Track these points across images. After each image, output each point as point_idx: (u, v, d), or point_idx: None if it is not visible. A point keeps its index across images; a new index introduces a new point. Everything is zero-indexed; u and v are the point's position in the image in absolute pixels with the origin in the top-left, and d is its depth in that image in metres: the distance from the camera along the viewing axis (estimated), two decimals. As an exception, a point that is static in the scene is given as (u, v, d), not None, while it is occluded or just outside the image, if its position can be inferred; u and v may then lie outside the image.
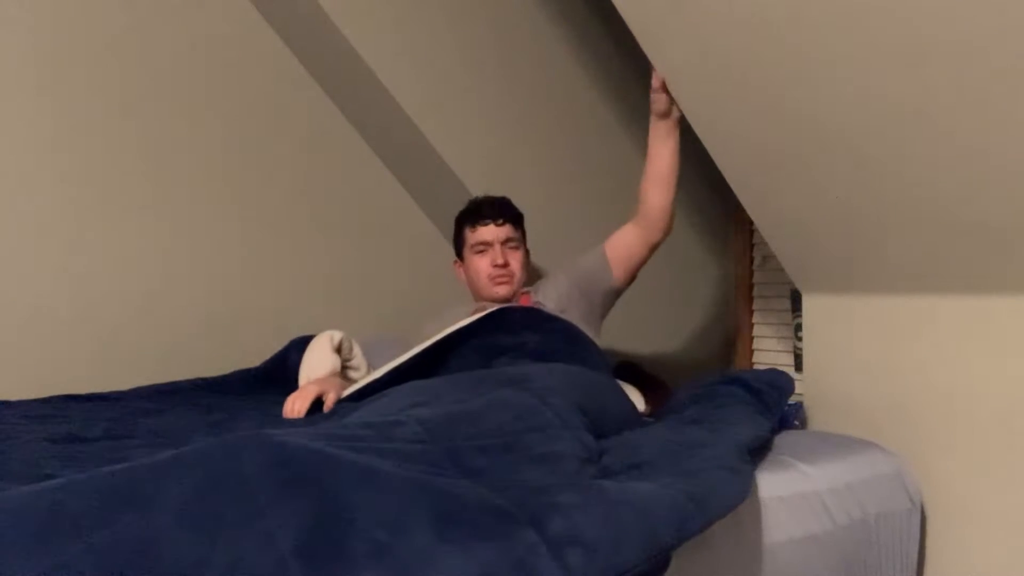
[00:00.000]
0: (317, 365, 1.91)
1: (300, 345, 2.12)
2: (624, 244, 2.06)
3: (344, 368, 2.01)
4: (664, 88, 1.88)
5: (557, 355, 1.73)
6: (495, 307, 1.90)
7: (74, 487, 0.87)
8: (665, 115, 1.94)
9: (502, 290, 2.07)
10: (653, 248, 2.07)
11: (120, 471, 0.91)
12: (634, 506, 1.03)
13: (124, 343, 2.38)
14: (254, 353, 2.36)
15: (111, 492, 0.87)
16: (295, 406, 1.71)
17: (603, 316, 2.15)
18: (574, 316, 2.00)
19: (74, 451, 1.47)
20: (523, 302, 2.06)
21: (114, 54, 2.39)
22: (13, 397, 2.02)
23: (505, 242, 2.09)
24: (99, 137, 2.37)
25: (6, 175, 2.26)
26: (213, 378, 2.29)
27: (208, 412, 1.96)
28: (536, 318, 1.87)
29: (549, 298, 2.06)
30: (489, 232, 2.09)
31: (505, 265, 2.06)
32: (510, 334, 1.81)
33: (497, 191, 2.19)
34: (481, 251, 2.09)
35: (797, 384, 1.87)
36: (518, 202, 2.19)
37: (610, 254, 2.07)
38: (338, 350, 1.98)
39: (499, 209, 2.11)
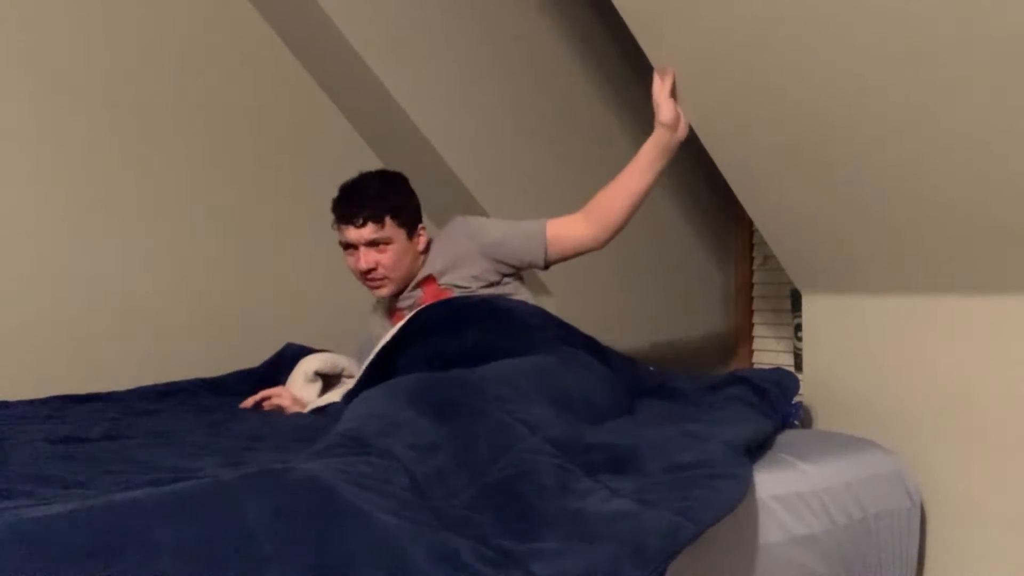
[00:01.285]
0: (304, 392, 1.99)
1: (292, 357, 2.17)
2: (570, 237, 1.89)
3: (336, 378, 2.06)
4: (673, 94, 1.73)
5: (501, 351, 1.64)
6: (412, 312, 1.82)
7: (84, 518, 0.88)
8: (672, 127, 1.79)
9: (381, 292, 1.92)
10: (589, 252, 1.94)
11: (128, 504, 0.91)
12: (620, 535, 1.02)
13: (123, 343, 2.38)
14: (253, 352, 2.35)
15: (119, 528, 0.88)
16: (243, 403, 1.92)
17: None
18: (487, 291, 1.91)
19: (73, 451, 1.47)
20: (429, 292, 1.92)
21: (111, 58, 2.39)
22: (12, 397, 2.02)
23: (370, 244, 1.88)
24: (99, 139, 2.37)
25: (6, 178, 2.26)
26: (212, 378, 2.29)
27: (207, 412, 1.96)
28: (464, 312, 1.76)
29: (462, 278, 1.91)
30: (350, 233, 1.89)
31: (371, 270, 1.88)
32: (446, 336, 1.73)
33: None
34: (348, 252, 1.91)
35: (797, 384, 1.87)
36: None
37: (551, 240, 1.89)
38: (321, 373, 2.02)
39: (359, 206, 1.88)
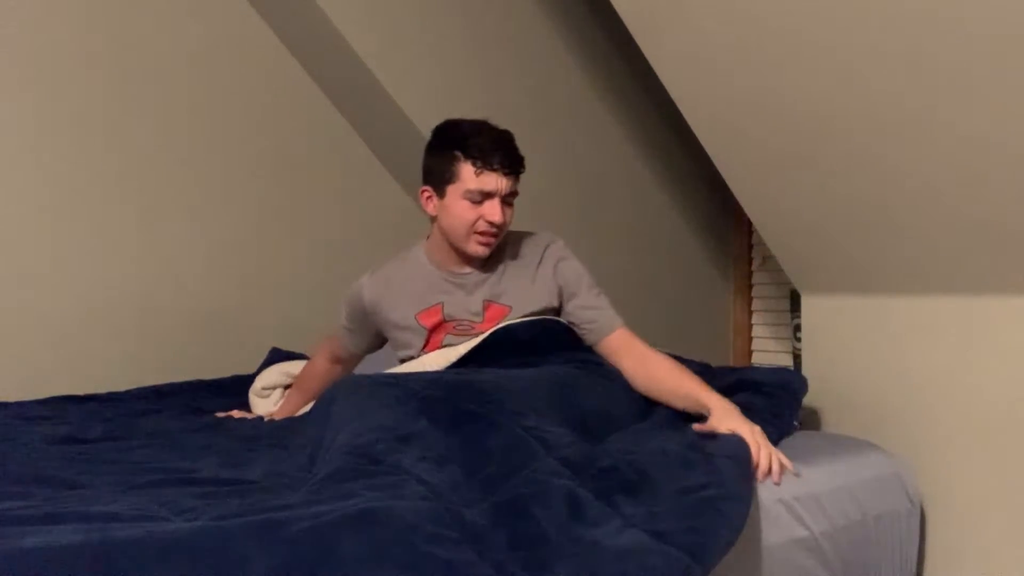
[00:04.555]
0: (262, 407, 2.08)
1: (275, 356, 2.23)
2: (620, 357, 1.74)
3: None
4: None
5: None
6: (454, 346, 1.72)
7: (83, 552, 0.88)
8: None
9: (482, 250, 1.74)
10: None
11: (128, 543, 0.91)
12: (630, 574, 1.03)
13: (122, 344, 2.38)
14: (252, 353, 2.36)
15: (116, 565, 0.88)
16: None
17: None
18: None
19: (72, 452, 1.47)
20: (493, 314, 1.76)
21: (102, 57, 2.38)
22: (11, 398, 2.02)
23: (507, 196, 1.74)
24: (100, 139, 2.37)
25: (4, 179, 2.26)
26: (210, 380, 2.29)
27: (206, 413, 1.97)
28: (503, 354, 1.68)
29: (527, 312, 1.77)
30: (496, 181, 1.70)
31: (501, 225, 1.73)
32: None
33: None
34: (476, 200, 1.72)
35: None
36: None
37: (613, 343, 1.75)
38: (269, 387, 2.09)
39: (510, 157, 1.73)
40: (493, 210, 1.70)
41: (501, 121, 1.75)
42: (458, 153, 1.71)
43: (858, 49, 1.47)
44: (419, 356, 1.77)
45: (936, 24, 1.34)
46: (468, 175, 1.70)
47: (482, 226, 1.71)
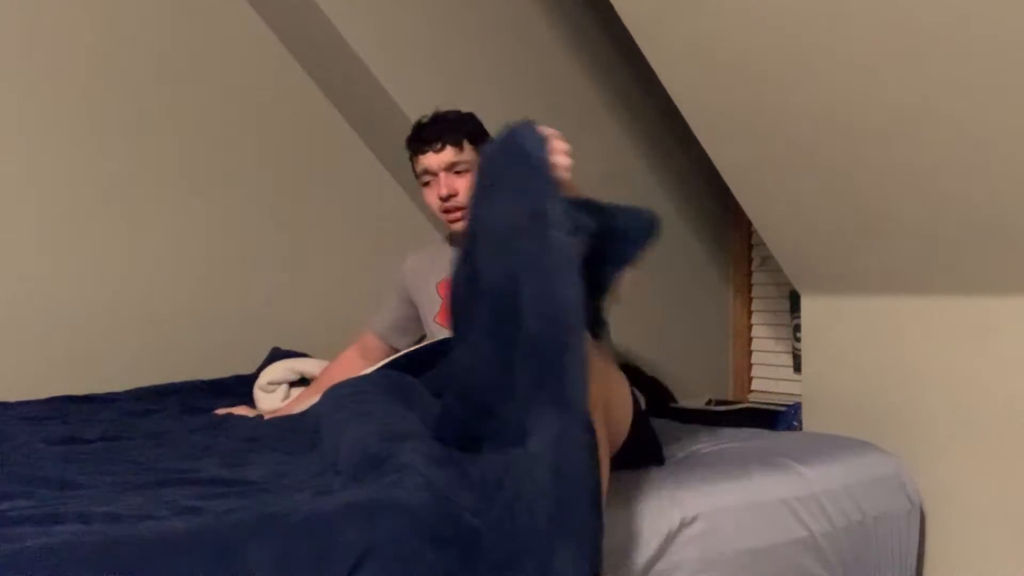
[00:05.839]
0: (267, 402, 2.08)
1: (275, 356, 2.23)
2: None
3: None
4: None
5: None
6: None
7: (86, 550, 0.89)
8: None
9: (458, 226, 1.78)
10: None
11: (131, 539, 0.91)
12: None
13: (122, 344, 2.37)
14: (252, 353, 2.35)
15: (119, 563, 0.88)
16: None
17: None
18: None
19: (72, 452, 1.47)
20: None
21: (104, 55, 2.38)
22: (11, 398, 2.02)
23: (449, 168, 1.78)
24: (96, 140, 2.37)
25: (4, 178, 2.26)
26: (211, 380, 2.29)
27: (206, 413, 1.97)
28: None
29: None
30: (429, 159, 1.79)
31: (452, 196, 1.77)
32: None
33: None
34: (427, 182, 1.81)
35: (795, 385, 1.86)
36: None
37: None
38: (275, 382, 2.10)
39: (439, 130, 1.79)
40: (438, 185, 1.78)
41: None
42: (408, 148, 1.86)
43: (858, 49, 1.47)
44: (432, 328, 1.84)
45: (937, 23, 1.34)
46: (414, 162, 1.84)
47: (442, 205, 1.80)
